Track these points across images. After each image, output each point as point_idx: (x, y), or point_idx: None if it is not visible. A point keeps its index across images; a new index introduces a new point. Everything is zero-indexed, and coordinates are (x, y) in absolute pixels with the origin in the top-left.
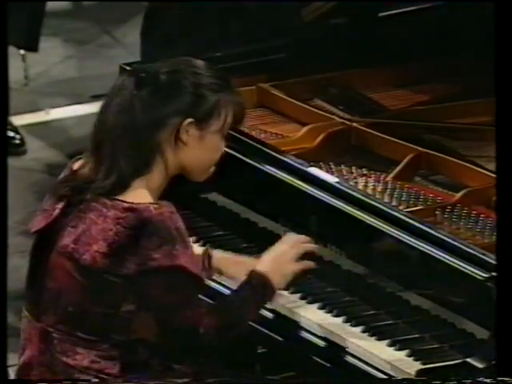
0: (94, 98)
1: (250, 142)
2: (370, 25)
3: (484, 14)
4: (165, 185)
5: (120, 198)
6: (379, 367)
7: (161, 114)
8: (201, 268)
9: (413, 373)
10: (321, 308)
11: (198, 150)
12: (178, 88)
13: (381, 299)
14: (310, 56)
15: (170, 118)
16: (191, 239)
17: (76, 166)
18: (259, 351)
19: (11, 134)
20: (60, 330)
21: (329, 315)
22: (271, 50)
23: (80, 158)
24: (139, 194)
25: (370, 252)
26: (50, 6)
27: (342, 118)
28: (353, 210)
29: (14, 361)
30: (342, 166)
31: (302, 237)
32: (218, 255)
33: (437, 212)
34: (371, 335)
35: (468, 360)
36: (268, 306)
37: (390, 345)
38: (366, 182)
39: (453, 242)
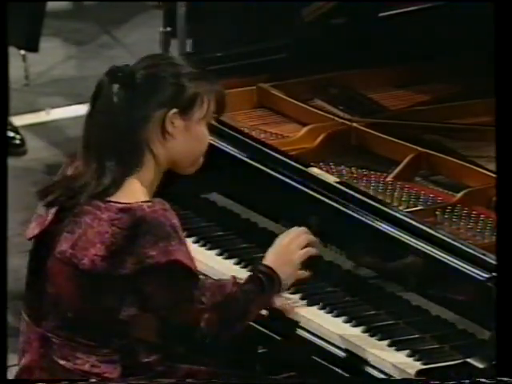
0: None
1: (251, 142)
2: (370, 25)
3: (484, 14)
4: (158, 180)
5: (113, 198)
6: (379, 367)
7: (144, 109)
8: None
9: (413, 373)
10: (321, 308)
11: (185, 140)
12: (158, 81)
13: (381, 299)
14: (310, 56)
15: (154, 111)
16: (191, 239)
17: (67, 170)
18: (259, 351)
19: (11, 134)
20: (60, 336)
21: (329, 315)
22: (271, 50)
23: (71, 162)
24: (132, 193)
25: (371, 252)
26: (50, 6)
27: (342, 118)
28: (353, 210)
29: (14, 361)
30: (343, 167)
31: (303, 228)
32: None
33: (437, 212)
34: (371, 335)
35: (468, 360)
36: (268, 306)
37: (391, 345)
38: (367, 183)
39: (453, 242)
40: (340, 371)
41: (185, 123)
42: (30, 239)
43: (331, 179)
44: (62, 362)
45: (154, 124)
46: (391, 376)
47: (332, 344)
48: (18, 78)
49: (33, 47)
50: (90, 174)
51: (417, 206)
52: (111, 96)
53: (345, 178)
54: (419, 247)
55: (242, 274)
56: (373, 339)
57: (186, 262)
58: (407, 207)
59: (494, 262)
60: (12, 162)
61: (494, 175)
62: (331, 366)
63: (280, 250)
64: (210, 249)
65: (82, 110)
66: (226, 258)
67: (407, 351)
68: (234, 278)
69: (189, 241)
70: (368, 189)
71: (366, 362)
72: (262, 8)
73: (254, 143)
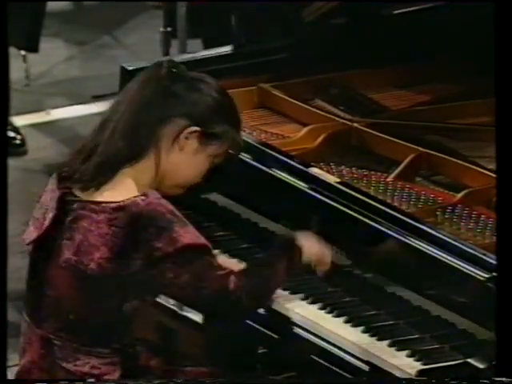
0: (95, 98)
1: (251, 142)
2: (370, 25)
3: (484, 14)
4: (153, 186)
5: (106, 194)
6: (379, 367)
7: (176, 110)
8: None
9: (413, 373)
10: (321, 308)
11: (187, 161)
12: (199, 95)
13: (381, 299)
14: (311, 56)
15: (181, 117)
16: None
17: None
18: (259, 351)
19: (12, 134)
20: (61, 337)
21: (330, 315)
22: (272, 50)
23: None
24: (125, 189)
25: (371, 252)
26: (50, 6)
27: (342, 118)
28: (353, 210)
29: (14, 361)
30: (343, 167)
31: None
32: None
33: (437, 212)
34: (372, 335)
35: (469, 360)
36: (268, 306)
37: (391, 345)
38: (367, 183)
39: (453, 242)
40: (340, 371)
41: (197, 147)
42: (28, 244)
43: (332, 179)
44: (62, 364)
45: (173, 128)
46: (391, 376)
47: (332, 344)
48: (18, 78)
49: (33, 48)
50: (87, 155)
51: (417, 206)
52: (159, 84)
53: (345, 178)
54: (420, 247)
55: None
56: (373, 339)
57: (194, 242)
58: (408, 207)
59: (494, 262)
60: (12, 162)
61: (494, 175)
62: (331, 366)
63: (313, 243)
64: None
65: (82, 110)
66: (227, 258)
67: (407, 351)
68: None
69: None
70: (368, 189)
71: (366, 362)
72: (262, 8)
73: (255, 143)
